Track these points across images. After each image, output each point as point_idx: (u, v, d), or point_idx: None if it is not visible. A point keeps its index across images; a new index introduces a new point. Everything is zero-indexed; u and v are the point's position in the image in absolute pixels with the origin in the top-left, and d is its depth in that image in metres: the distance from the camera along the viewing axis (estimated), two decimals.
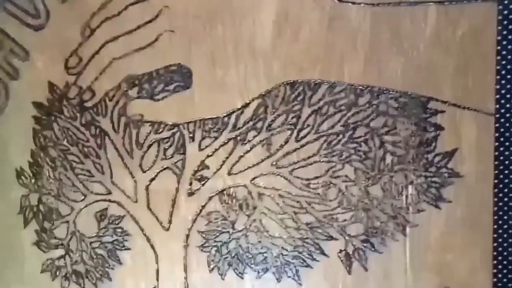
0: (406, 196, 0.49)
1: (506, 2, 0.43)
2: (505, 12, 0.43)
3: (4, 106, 0.56)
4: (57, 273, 0.58)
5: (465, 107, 0.46)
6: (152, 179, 0.54)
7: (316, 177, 0.50)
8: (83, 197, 0.56)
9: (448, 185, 0.48)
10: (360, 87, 0.48)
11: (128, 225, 0.55)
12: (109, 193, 0.55)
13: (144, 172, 0.54)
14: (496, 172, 0.46)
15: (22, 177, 0.57)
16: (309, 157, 0.50)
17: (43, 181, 0.57)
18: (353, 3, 0.47)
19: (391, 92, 0.48)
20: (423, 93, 0.47)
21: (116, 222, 0.56)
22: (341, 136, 0.49)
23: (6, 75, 0.56)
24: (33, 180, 0.57)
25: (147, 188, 0.55)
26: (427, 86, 0.47)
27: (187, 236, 0.54)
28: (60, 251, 0.57)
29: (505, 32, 0.44)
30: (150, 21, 0.51)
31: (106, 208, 0.56)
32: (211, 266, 0.54)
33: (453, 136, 0.47)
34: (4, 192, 0.58)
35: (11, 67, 0.56)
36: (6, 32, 0.55)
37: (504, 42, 0.44)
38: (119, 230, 0.56)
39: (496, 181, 0.47)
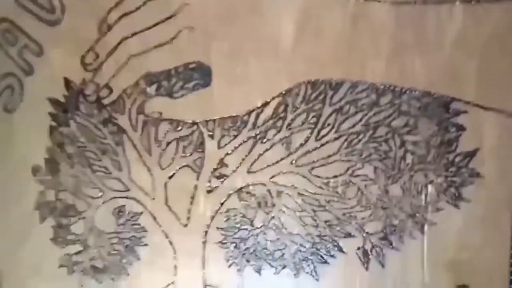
0: (426, 195, 0.49)
1: None
2: None
3: (19, 102, 0.56)
4: (75, 268, 0.58)
5: (488, 107, 0.46)
6: (171, 177, 0.54)
7: (336, 176, 0.50)
8: (101, 194, 0.56)
9: (468, 185, 0.48)
10: (382, 87, 0.48)
11: (146, 221, 0.56)
12: (127, 190, 0.55)
13: (163, 169, 0.54)
14: None
15: (38, 174, 0.57)
16: (329, 156, 0.50)
17: (60, 178, 0.57)
18: (378, 1, 0.46)
19: (413, 92, 0.48)
20: (446, 93, 0.47)
21: (134, 219, 0.56)
22: (361, 135, 0.49)
23: (21, 71, 0.55)
24: (49, 177, 0.57)
25: (165, 185, 0.55)
26: (450, 86, 0.47)
27: (206, 232, 0.54)
28: (78, 247, 0.58)
29: None
30: (169, 18, 0.50)
31: (124, 205, 0.56)
32: (229, 262, 0.54)
33: (475, 136, 0.47)
34: (21, 188, 0.58)
35: (25, 63, 0.55)
36: (20, 27, 0.54)
37: None
38: (137, 226, 0.56)
39: None
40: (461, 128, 0.47)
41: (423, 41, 0.47)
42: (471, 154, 0.47)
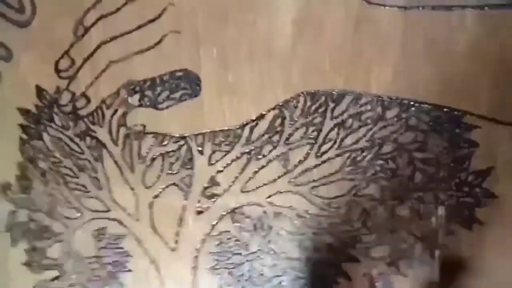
0: (436, 217, 0.45)
1: None
2: None
3: None
4: None
5: (502, 122, 0.43)
6: (156, 196, 0.49)
7: (338, 196, 0.46)
8: (78, 214, 0.51)
9: (482, 206, 0.44)
10: (388, 99, 0.44)
11: (130, 245, 0.51)
12: (108, 210, 0.50)
13: (147, 188, 0.49)
14: None
15: (9, 191, 0.52)
16: (330, 174, 0.46)
17: (33, 197, 0.51)
18: (384, 5, 0.42)
19: (422, 105, 0.44)
20: (458, 106, 0.43)
21: (117, 242, 0.51)
22: (366, 152, 0.45)
23: None
24: (21, 195, 0.51)
25: (150, 205, 0.50)
26: (462, 99, 0.43)
27: (196, 257, 0.50)
28: (54, 272, 0.53)
29: None
30: (153, 20, 0.45)
31: (105, 227, 0.51)
32: None
33: (489, 153, 0.43)
34: None
35: None
36: None
37: None
38: (120, 250, 0.51)
39: None
40: (473, 144, 0.43)
41: (432, 49, 0.43)
42: (484, 173, 0.44)
